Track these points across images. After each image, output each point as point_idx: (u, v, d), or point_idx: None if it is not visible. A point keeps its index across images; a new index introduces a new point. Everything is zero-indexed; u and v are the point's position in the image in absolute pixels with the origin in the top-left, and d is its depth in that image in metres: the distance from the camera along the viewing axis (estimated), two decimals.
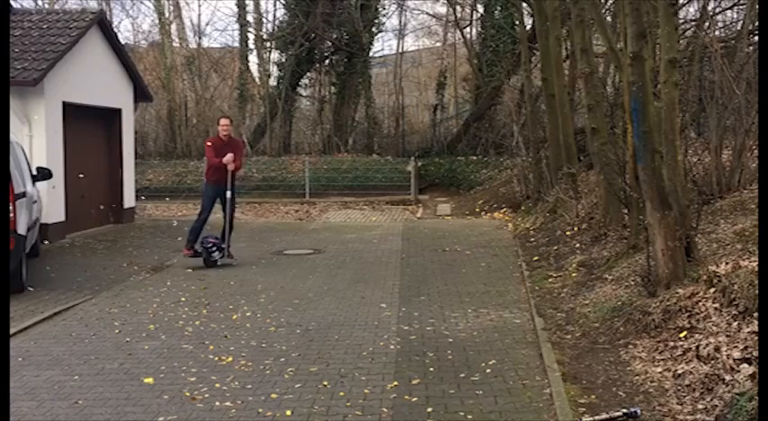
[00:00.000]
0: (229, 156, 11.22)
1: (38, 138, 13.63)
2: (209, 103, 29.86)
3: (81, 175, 15.29)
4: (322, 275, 10.61)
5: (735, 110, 10.54)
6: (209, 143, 11.64)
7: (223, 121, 11.81)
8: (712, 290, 6.22)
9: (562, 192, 13.90)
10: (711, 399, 5.00)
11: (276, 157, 26.25)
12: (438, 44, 34.37)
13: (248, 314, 8.35)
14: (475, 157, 24.89)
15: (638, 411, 5.05)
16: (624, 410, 5.08)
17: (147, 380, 6.08)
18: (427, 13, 34.49)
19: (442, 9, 32.88)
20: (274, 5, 30.64)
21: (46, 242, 12.99)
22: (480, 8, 27.89)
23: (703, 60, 13.00)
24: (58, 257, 12.31)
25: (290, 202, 22.00)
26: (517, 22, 23.90)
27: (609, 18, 14.56)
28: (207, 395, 5.74)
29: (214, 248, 11.24)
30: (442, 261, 11.72)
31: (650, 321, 6.56)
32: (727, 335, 5.55)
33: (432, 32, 35.55)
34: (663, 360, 5.94)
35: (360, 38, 27.66)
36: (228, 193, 11.31)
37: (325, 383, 5.95)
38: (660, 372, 5.76)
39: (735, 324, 5.66)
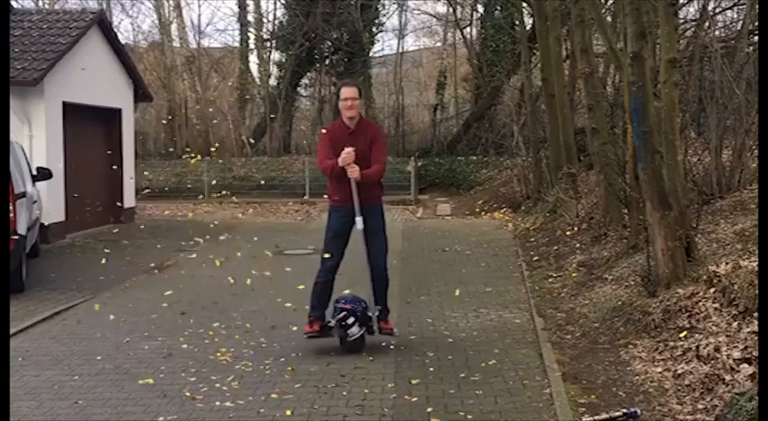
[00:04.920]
0: (347, 152, 6.56)
1: (38, 138, 13.63)
2: (209, 103, 29.88)
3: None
4: None
5: (735, 110, 10.54)
6: (324, 131, 7.17)
7: (346, 91, 6.78)
8: (712, 290, 6.22)
9: (562, 192, 13.90)
10: (711, 399, 5.00)
11: (276, 157, 26.26)
12: (438, 44, 34.39)
13: (248, 314, 8.34)
14: (475, 157, 24.90)
15: (638, 411, 5.05)
16: (624, 410, 5.08)
17: (147, 380, 6.08)
18: (427, 13, 34.50)
19: (442, 9, 32.91)
20: (274, 5, 30.63)
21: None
22: (480, 8, 27.92)
23: (703, 60, 13.00)
24: (57, 257, 12.31)
25: (290, 202, 22.01)
26: (517, 22, 23.91)
27: (609, 18, 14.56)
28: (207, 395, 5.74)
29: (351, 320, 6.69)
30: (442, 261, 11.72)
31: (650, 321, 6.56)
32: (727, 335, 5.55)
33: (432, 32, 35.56)
34: (663, 360, 5.94)
35: (360, 38, 27.66)
36: (359, 222, 6.76)
37: (325, 383, 5.95)
38: (660, 372, 5.76)
39: (735, 324, 5.67)
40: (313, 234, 15.02)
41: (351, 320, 6.69)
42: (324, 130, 7.18)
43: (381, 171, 6.83)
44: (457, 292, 8.92)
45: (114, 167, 16.19)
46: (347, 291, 7.23)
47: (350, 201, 6.71)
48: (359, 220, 6.75)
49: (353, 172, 6.58)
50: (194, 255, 12.66)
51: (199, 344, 7.16)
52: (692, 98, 12.13)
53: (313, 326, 6.89)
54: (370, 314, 6.80)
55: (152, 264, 11.65)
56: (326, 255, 6.88)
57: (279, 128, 28.01)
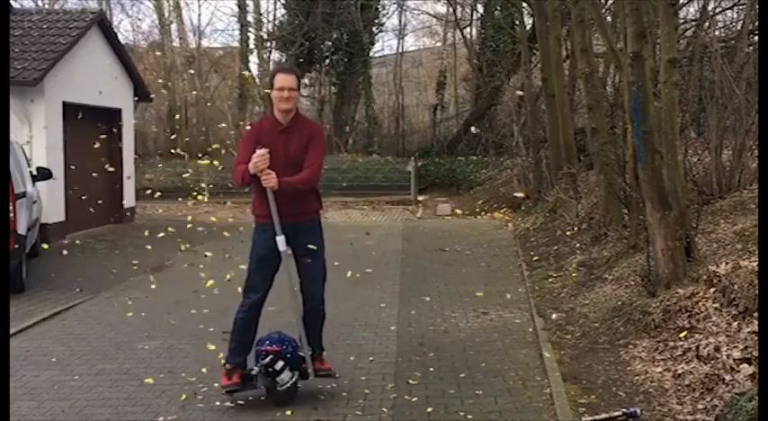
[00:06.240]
0: (259, 155, 5.27)
1: (38, 138, 13.63)
2: (209, 103, 29.88)
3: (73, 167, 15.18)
4: None
5: (735, 110, 10.55)
6: (248, 127, 5.74)
7: (282, 79, 5.44)
8: (712, 290, 6.22)
9: (562, 192, 13.90)
10: (711, 399, 5.00)
11: None
12: (438, 44, 34.41)
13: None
14: (475, 157, 24.91)
15: (638, 411, 5.05)
16: (624, 410, 5.08)
17: (147, 380, 6.08)
18: (427, 13, 34.54)
19: (442, 9, 32.95)
20: (274, 5, 30.63)
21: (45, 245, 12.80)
22: (480, 8, 27.95)
23: (703, 60, 13.01)
24: (58, 257, 12.30)
25: None
26: (517, 22, 23.93)
27: (609, 18, 14.57)
28: (207, 395, 5.74)
29: (280, 364, 5.45)
30: (442, 261, 11.72)
31: (650, 321, 6.57)
32: (727, 335, 5.55)
33: (432, 32, 35.59)
34: (663, 360, 5.94)
35: (360, 38, 27.68)
36: (280, 242, 5.56)
37: (326, 383, 5.94)
38: (660, 372, 5.76)
39: (735, 324, 5.67)
40: None
41: (279, 365, 5.42)
42: (248, 127, 5.70)
43: (310, 178, 5.45)
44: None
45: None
46: (274, 333, 5.76)
47: (281, 216, 5.46)
48: (280, 240, 5.50)
49: (269, 180, 5.28)
50: (194, 255, 12.65)
51: (199, 344, 7.15)
52: (692, 98, 12.14)
53: (232, 378, 5.52)
54: (301, 354, 5.57)
55: (152, 265, 11.65)
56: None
57: None
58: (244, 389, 5.55)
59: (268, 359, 5.42)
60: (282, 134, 5.45)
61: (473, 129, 25.19)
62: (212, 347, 6.50)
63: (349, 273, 7.97)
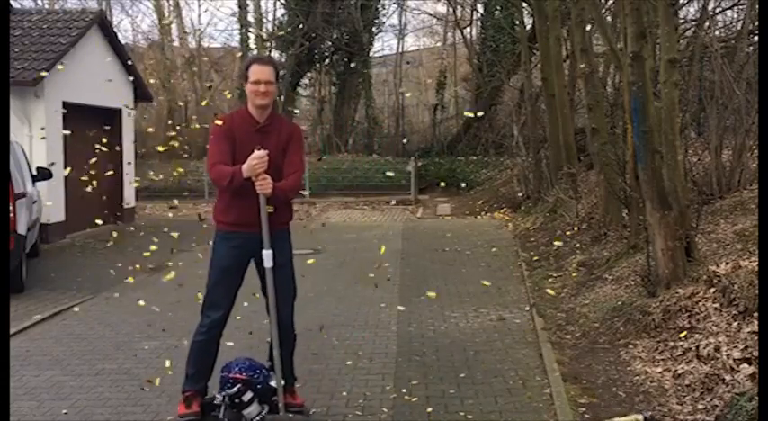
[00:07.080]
0: (259, 157, 4.63)
1: (38, 137, 13.63)
2: (209, 103, 29.88)
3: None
4: (322, 275, 10.60)
5: (735, 110, 10.54)
6: (219, 123, 4.96)
7: (259, 71, 4.85)
8: (712, 290, 6.22)
9: (562, 192, 13.91)
10: (711, 399, 5.00)
11: None
12: (438, 44, 34.42)
13: (248, 314, 8.33)
14: (475, 157, 24.93)
15: (649, 414, 5.01)
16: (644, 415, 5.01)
17: (147, 380, 6.08)
18: (427, 13, 34.53)
19: (442, 9, 32.96)
20: (274, 5, 30.74)
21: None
22: (480, 8, 27.97)
23: (703, 60, 13.01)
24: (58, 257, 12.30)
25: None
26: (517, 22, 23.95)
27: (609, 18, 14.57)
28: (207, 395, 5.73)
29: (249, 395, 4.79)
30: (441, 261, 11.72)
31: (650, 321, 6.57)
32: (727, 335, 5.55)
33: (432, 32, 35.60)
34: (663, 360, 5.94)
35: (360, 38, 27.70)
36: (267, 257, 4.88)
37: (326, 383, 5.94)
38: (660, 372, 5.76)
39: (735, 324, 5.67)
40: (313, 234, 15.07)
41: (248, 396, 4.76)
42: (218, 122, 4.94)
43: (298, 185, 4.93)
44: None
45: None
46: (241, 359, 4.99)
47: (251, 225, 4.79)
48: (267, 255, 4.84)
49: (265, 185, 4.67)
50: (196, 255, 12.65)
51: None
52: (692, 98, 12.13)
53: (191, 406, 4.93)
54: (272, 384, 4.88)
55: (152, 265, 11.64)
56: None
57: None
58: (203, 419, 4.92)
59: (235, 388, 4.75)
60: (258, 134, 4.85)
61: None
62: None
63: (383, 249, 7.78)
